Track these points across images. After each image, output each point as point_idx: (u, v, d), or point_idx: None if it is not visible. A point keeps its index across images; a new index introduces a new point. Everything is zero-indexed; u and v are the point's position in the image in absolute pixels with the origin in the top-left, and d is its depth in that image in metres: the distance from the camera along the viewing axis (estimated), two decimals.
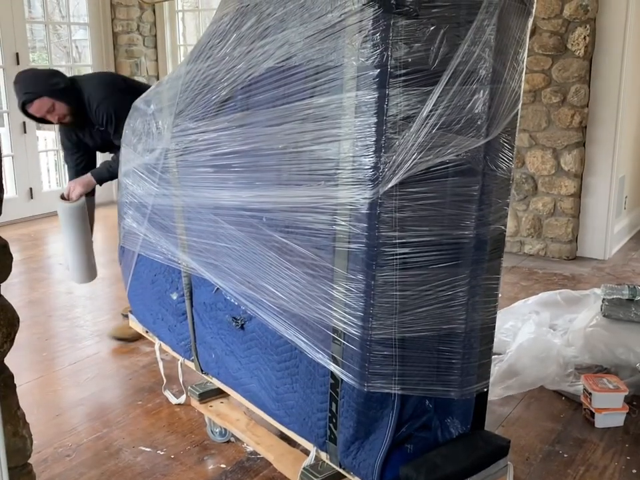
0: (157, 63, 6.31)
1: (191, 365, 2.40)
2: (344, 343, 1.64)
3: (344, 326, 1.63)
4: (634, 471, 2.16)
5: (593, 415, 2.40)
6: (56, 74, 3.08)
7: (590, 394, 2.39)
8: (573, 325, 2.92)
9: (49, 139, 6.38)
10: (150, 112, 2.39)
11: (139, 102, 2.53)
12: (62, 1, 6.04)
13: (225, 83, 1.92)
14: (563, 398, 2.60)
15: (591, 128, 4.28)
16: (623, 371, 2.67)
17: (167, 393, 2.63)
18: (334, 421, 1.72)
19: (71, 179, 3.21)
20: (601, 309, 2.78)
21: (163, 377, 2.66)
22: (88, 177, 3.11)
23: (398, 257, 1.56)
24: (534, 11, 1.58)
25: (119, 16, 6.08)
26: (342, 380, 1.66)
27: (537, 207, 4.47)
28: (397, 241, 1.55)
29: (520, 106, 1.63)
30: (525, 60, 1.61)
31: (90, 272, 3.23)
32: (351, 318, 1.61)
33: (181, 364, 2.48)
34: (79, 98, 3.04)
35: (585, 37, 4.06)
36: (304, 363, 1.79)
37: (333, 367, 1.68)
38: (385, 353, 1.61)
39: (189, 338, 2.35)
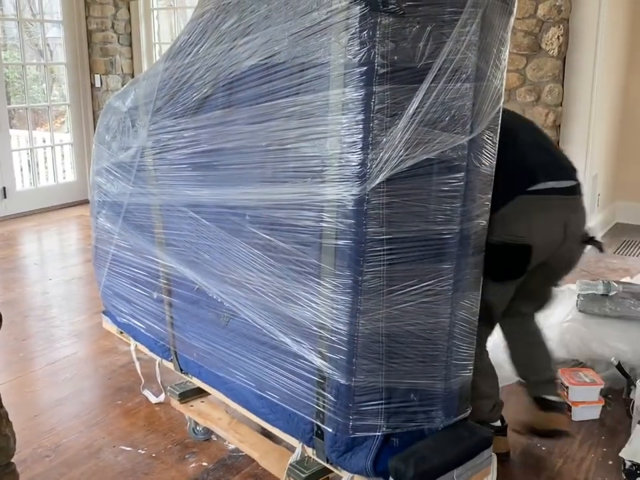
0: (132, 61, 6.25)
1: (170, 365, 2.38)
2: (331, 339, 1.65)
3: (331, 322, 1.64)
4: (610, 462, 2.21)
5: (569, 408, 2.44)
6: None
7: (567, 387, 2.44)
8: (549, 320, 2.96)
9: (22, 137, 6.29)
10: (125, 110, 2.37)
11: (112, 99, 2.51)
12: None
13: (205, 80, 1.92)
14: None
15: (564, 127, 4.35)
16: (598, 364, 2.73)
17: (146, 392, 2.61)
18: (321, 416, 1.72)
19: None
20: (577, 304, 2.83)
21: (141, 377, 2.64)
22: None
23: (385, 252, 1.57)
24: (515, 10, 1.61)
25: (93, 14, 6.01)
26: (329, 375, 1.67)
27: None
28: (384, 236, 1.56)
29: (502, 103, 1.66)
30: (507, 58, 1.64)
31: None
32: (338, 314, 1.62)
33: (159, 364, 2.47)
34: None
35: (558, 37, 4.13)
36: (289, 359, 1.79)
37: (319, 363, 1.69)
38: (372, 347, 1.62)
39: (167, 338, 2.34)
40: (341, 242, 1.59)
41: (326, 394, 1.70)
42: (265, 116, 1.74)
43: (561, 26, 4.11)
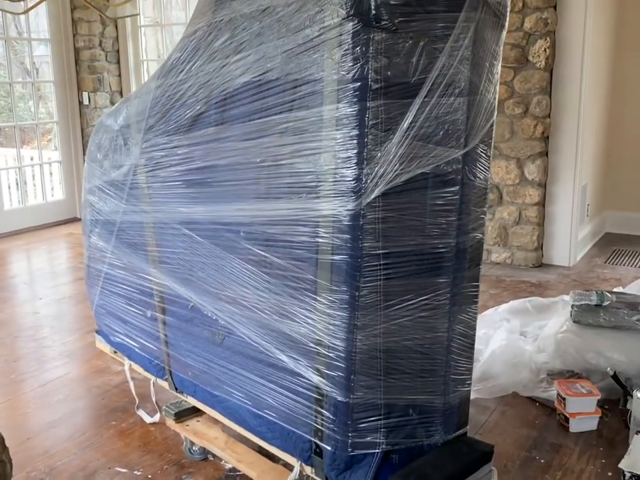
0: (120, 78, 6.25)
1: (164, 384, 2.36)
2: (328, 355, 1.64)
3: (328, 338, 1.63)
4: (609, 473, 2.20)
5: (567, 419, 2.43)
6: None
7: (564, 399, 2.43)
8: (544, 331, 2.96)
9: (9, 156, 6.26)
10: (116, 128, 2.36)
11: (104, 118, 2.51)
12: (19, 16, 5.93)
13: (198, 98, 1.92)
14: (537, 404, 2.64)
15: (553, 138, 4.38)
16: (593, 375, 2.72)
17: (141, 412, 2.58)
18: (319, 434, 1.71)
19: None
20: (571, 315, 2.83)
21: (135, 397, 2.61)
22: None
23: (381, 267, 1.57)
24: (507, 24, 1.62)
25: (80, 31, 6.01)
26: (327, 392, 1.66)
27: (502, 216, 4.54)
28: (380, 251, 1.56)
29: (495, 117, 1.66)
30: (499, 72, 1.65)
31: None
32: (335, 330, 1.61)
33: (154, 383, 2.44)
34: None
35: (545, 49, 4.16)
36: (287, 376, 1.77)
37: (317, 380, 1.67)
38: (370, 363, 1.61)
39: (162, 357, 2.32)
40: (337, 257, 1.59)
41: (324, 411, 1.68)
42: (259, 132, 1.74)
43: (548, 38, 4.15)
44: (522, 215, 4.49)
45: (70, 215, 6.22)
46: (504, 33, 1.62)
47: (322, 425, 1.70)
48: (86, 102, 6.17)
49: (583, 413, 2.41)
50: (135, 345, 2.44)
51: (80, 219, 6.33)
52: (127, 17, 5.32)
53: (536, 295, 3.79)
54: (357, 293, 1.58)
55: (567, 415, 2.42)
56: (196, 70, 1.90)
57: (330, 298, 1.61)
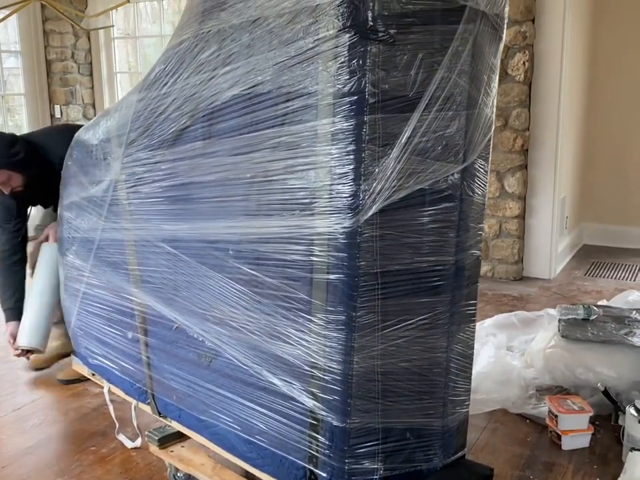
0: (92, 91, 6.14)
1: (147, 408, 2.27)
2: (324, 378, 1.58)
3: (323, 360, 1.57)
4: None
5: (559, 437, 2.39)
6: (15, 142, 2.78)
7: (556, 416, 2.39)
8: (531, 346, 2.93)
9: None
10: (95, 142, 2.29)
11: (82, 132, 2.43)
12: None
13: (183, 111, 1.85)
14: (528, 421, 2.60)
15: (532, 150, 4.38)
16: (582, 390, 2.70)
17: (121, 437, 2.49)
18: (314, 460, 1.64)
19: (3, 244, 2.92)
20: (559, 330, 2.80)
21: (115, 420, 2.51)
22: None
23: (379, 286, 1.52)
24: (504, 36, 1.59)
25: (52, 43, 5.89)
26: (322, 417, 1.59)
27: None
28: (378, 270, 1.51)
29: (492, 131, 1.63)
30: (497, 85, 1.61)
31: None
32: (331, 352, 1.55)
33: (135, 407, 2.35)
34: (40, 164, 2.77)
35: (524, 62, 4.17)
36: (279, 400, 1.71)
37: (312, 404, 1.61)
38: (368, 386, 1.56)
39: (144, 380, 2.23)
40: (332, 276, 1.53)
41: (319, 437, 1.62)
42: (249, 147, 1.68)
43: (526, 52, 4.16)
44: (502, 227, 4.48)
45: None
46: (501, 45, 1.58)
47: (317, 451, 1.63)
48: (58, 115, 6.05)
49: (576, 430, 2.37)
50: (115, 367, 2.35)
51: None
52: (101, 28, 5.23)
53: (518, 309, 3.78)
54: (353, 314, 1.52)
55: (559, 433, 2.38)
56: (181, 82, 1.83)
57: (325, 318, 1.55)
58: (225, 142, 1.75)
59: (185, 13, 1.85)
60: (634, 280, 4.53)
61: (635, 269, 4.77)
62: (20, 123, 6.09)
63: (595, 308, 2.88)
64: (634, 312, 2.91)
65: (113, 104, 6.17)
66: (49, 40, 5.91)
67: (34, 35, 5.87)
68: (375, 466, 1.61)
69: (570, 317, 2.84)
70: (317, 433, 1.62)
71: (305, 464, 1.67)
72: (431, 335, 1.59)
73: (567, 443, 2.38)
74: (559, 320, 2.85)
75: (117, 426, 2.50)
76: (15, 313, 2.89)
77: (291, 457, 1.70)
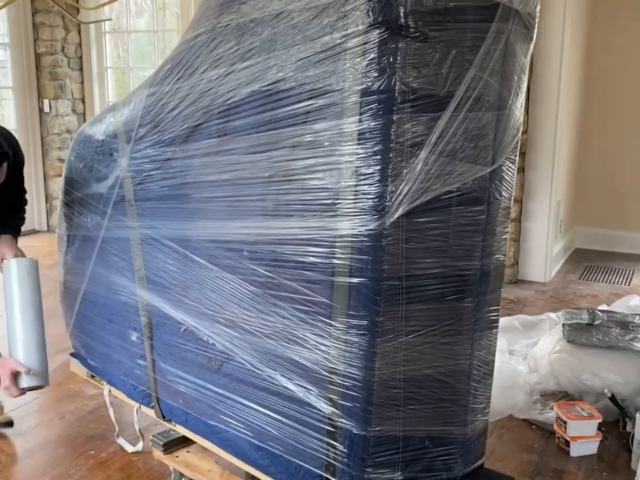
0: (82, 86, 6.04)
1: (149, 411, 2.20)
2: (343, 385, 1.53)
3: (344, 366, 1.52)
4: None
5: (567, 443, 2.37)
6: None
7: (564, 422, 2.37)
8: (534, 350, 2.91)
9: None
10: (100, 137, 2.21)
11: (86, 127, 2.36)
12: None
13: (198, 107, 1.79)
14: (534, 427, 2.57)
15: (529, 153, 4.37)
16: (587, 396, 2.68)
17: (121, 441, 2.42)
18: (331, 469, 1.59)
19: None
20: (564, 335, 2.78)
21: (115, 424, 2.44)
22: (10, 239, 2.45)
23: (403, 291, 1.47)
24: (535, 36, 1.55)
25: (42, 36, 5.78)
26: (341, 424, 1.54)
27: None
28: (403, 274, 1.46)
29: (520, 132, 1.59)
30: (526, 85, 1.58)
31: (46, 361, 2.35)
32: (352, 357, 1.51)
33: (137, 410, 2.29)
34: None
35: None
36: (294, 406, 1.66)
37: (330, 411, 1.56)
38: (390, 393, 1.51)
39: (148, 382, 2.17)
40: (355, 280, 1.48)
41: (337, 444, 1.57)
42: (267, 145, 1.63)
43: None
44: None
45: (29, 226, 5.96)
46: (532, 45, 1.55)
47: (334, 459, 1.58)
48: (47, 109, 5.94)
49: (584, 436, 2.35)
50: (117, 369, 2.28)
51: (39, 231, 6.11)
52: (99, 21, 5.13)
53: (515, 312, 3.76)
54: (377, 318, 1.47)
55: (568, 439, 2.36)
56: (196, 77, 1.77)
57: (347, 323, 1.51)
58: (242, 140, 1.69)
59: (201, 6, 1.80)
60: (628, 284, 4.54)
61: (629, 273, 4.78)
62: (11, 117, 5.96)
63: (599, 313, 2.86)
64: (637, 317, 2.90)
65: (102, 99, 6.09)
66: (39, 33, 5.80)
67: (23, 27, 5.76)
68: (395, 475, 1.56)
69: (574, 321, 2.82)
70: (335, 441, 1.57)
71: (321, 472, 1.62)
72: (455, 341, 1.55)
73: (576, 450, 2.35)
74: (563, 324, 2.83)
75: (117, 429, 2.43)
76: None
77: (306, 465, 1.65)
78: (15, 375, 2.18)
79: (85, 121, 6.15)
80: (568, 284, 4.53)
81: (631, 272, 4.80)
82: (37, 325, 2.30)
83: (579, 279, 4.66)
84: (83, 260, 2.35)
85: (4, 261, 2.38)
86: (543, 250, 4.50)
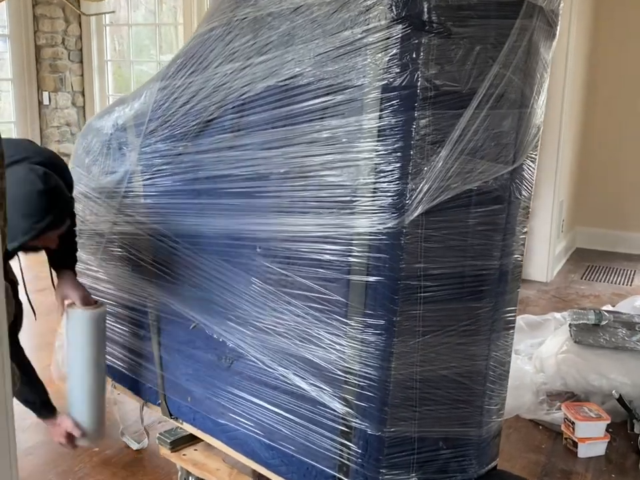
0: (82, 78, 5.99)
1: (156, 409, 2.18)
2: (359, 384, 1.51)
3: (359, 365, 1.50)
4: None
5: (575, 444, 2.36)
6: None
7: (573, 423, 2.36)
8: (540, 350, 2.90)
9: None
10: (109, 131, 2.19)
11: (94, 120, 2.33)
12: None
13: (211, 101, 1.77)
14: (540, 427, 2.56)
15: None
16: (593, 397, 2.67)
17: (126, 438, 2.40)
18: (344, 469, 1.57)
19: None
20: (571, 335, 2.77)
21: (119, 420, 2.42)
22: (73, 277, 2.14)
23: (421, 290, 1.45)
24: (558, 33, 1.53)
25: (42, 28, 5.73)
26: (356, 424, 1.53)
27: None
28: (422, 273, 1.44)
29: (541, 131, 1.57)
30: (548, 83, 1.56)
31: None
32: (368, 357, 1.49)
33: (143, 407, 2.26)
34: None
35: None
36: (307, 405, 1.64)
37: (344, 411, 1.54)
38: (406, 393, 1.49)
39: (155, 380, 2.14)
40: (372, 278, 1.46)
41: (351, 445, 1.55)
42: (283, 141, 1.60)
43: None
44: None
45: None
46: (554, 43, 1.53)
47: (348, 460, 1.57)
48: (46, 102, 5.89)
49: (593, 438, 2.33)
50: (123, 366, 2.26)
51: None
52: (104, 13, 5.08)
53: (519, 311, 3.71)
54: (394, 318, 1.45)
55: (576, 440, 2.34)
56: (210, 71, 1.75)
57: (363, 322, 1.49)
58: (256, 135, 1.67)
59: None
60: (630, 285, 4.53)
61: (630, 273, 4.77)
62: (10, 109, 5.91)
63: (606, 313, 2.85)
64: None
65: (102, 92, 6.05)
66: (39, 25, 5.75)
67: (23, 18, 5.71)
68: (409, 476, 1.54)
69: (581, 321, 2.81)
70: (349, 441, 1.56)
71: (334, 472, 1.60)
72: (473, 341, 1.53)
73: (584, 451, 2.34)
74: (570, 325, 2.81)
75: (121, 426, 2.41)
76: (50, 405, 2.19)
77: (319, 465, 1.63)
78: (70, 434, 2.09)
79: (84, 114, 6.12)
80: (570, 284, 4.51)
81: (633, 272, 4.79)
82: (99, 383, 2.13)
83: (581, 278, 4.65)
84: (87, 254, 2.32)
85: (66, 302, 2.10)
86: (545, 250, 4.48)
